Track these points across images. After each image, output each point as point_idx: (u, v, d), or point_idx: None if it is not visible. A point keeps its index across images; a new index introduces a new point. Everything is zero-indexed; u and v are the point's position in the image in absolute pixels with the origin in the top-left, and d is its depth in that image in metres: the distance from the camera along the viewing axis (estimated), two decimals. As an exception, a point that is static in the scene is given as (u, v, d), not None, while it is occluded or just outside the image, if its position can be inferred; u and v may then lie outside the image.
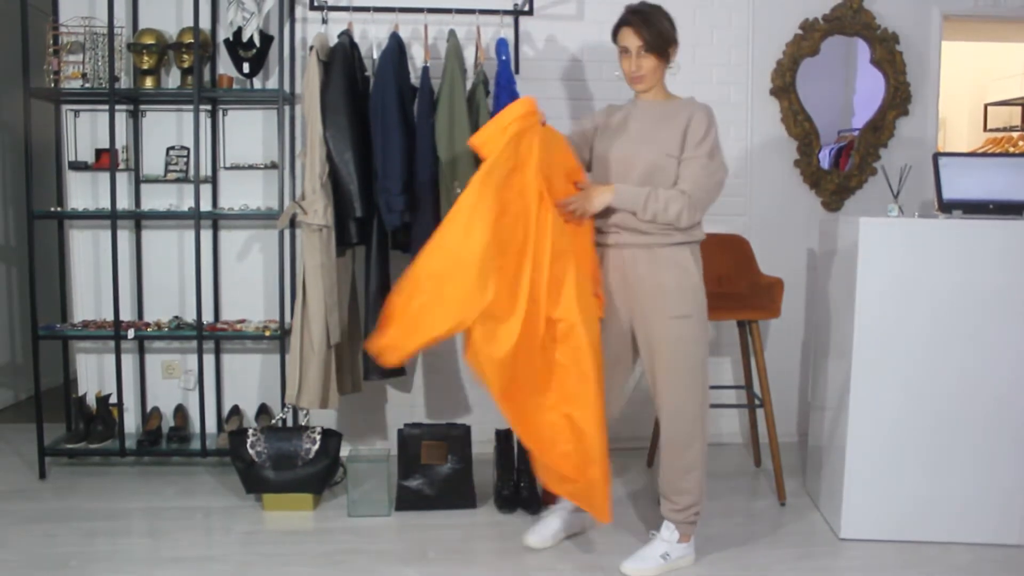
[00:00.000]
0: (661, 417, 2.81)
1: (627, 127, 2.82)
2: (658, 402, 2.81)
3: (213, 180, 3.84)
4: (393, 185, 3.35)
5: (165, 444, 3.75)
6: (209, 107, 3.82)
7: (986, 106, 5.69)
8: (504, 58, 3.55)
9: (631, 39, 2.73)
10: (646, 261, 2.75)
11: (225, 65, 3.77)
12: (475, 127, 3.44)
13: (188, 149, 3.83)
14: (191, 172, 3.79)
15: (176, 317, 3.83)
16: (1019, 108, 5.46)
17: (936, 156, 3.06)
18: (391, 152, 3.35)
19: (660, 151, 2.72)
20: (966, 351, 2.92)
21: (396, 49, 3.44)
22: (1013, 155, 3.18)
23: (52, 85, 3.62)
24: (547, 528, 2.98)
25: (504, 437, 3.52)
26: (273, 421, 3.70)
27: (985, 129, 5.72)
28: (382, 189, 3.37)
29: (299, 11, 3.78)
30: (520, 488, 3.34)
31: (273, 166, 3.80)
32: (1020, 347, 2.91)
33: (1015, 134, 5.44)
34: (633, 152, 2.76)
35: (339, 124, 3.35)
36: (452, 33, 3.54)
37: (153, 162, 3.85)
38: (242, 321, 3.84)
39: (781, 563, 2.88)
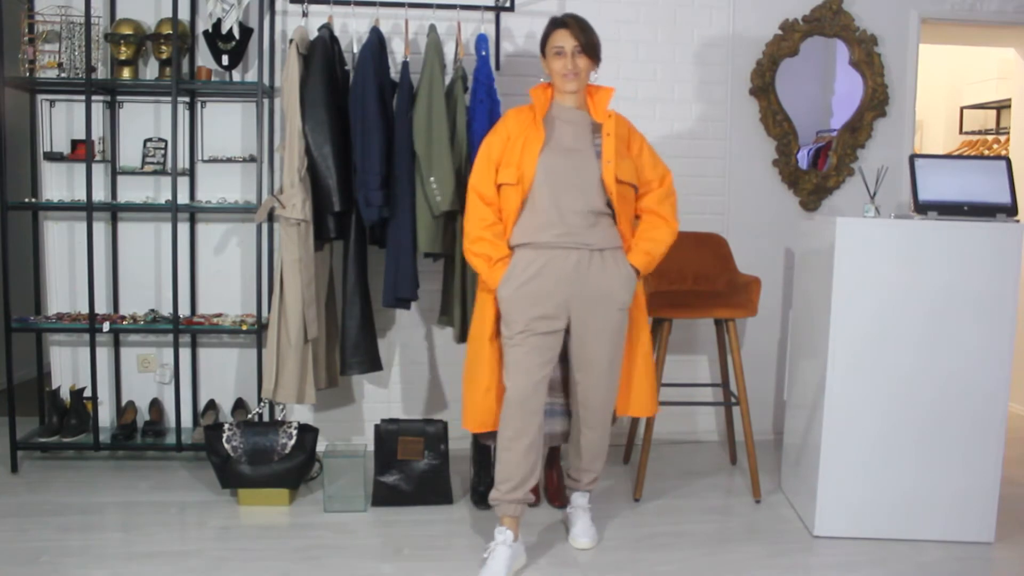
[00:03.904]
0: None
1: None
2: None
3: (191, 173, 3.82)
4: (372, 180, 3.34)
5: (140, 438, 3.73)
6: (187, 99, 3.79)
7: (962, 109, 5.74)
8: (484, 54, 3.55)
9: (567, 40, 2.78)
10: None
11: (204, 57, 3.75)
12: (453, 122, 3.44)
13: (166, 141, 3.80)
14: (169, 164, 3.76)
15: (152, 310, 3.80)
16: (994, 111, 5.51)
17: (912, 158, 3.09)
18: (370, 147, 3.34)
19: None
20: (941, 351, 2.95)
21: (376, 43, 3.43)
22: (988, 158, 3.21)
23: (27, 74, 3.58)
24: (499, 564, 2.70)
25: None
26: (249, 416, 3.68)
27: (961, 132, 5.76)
28: (361, 184, 3.36)
29: (279, 4, 3.76)
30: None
31: (252, 159, 3.78)
32: (992, 347, 2.94)
33: (990, 137, 5.49)
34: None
35: (318, 118, 3.34)
36: (432, 28, 3.53)
37: (130, 154, 3.82)
38: (219, 315, 3.81)
39: (755, 560, 2.90)
